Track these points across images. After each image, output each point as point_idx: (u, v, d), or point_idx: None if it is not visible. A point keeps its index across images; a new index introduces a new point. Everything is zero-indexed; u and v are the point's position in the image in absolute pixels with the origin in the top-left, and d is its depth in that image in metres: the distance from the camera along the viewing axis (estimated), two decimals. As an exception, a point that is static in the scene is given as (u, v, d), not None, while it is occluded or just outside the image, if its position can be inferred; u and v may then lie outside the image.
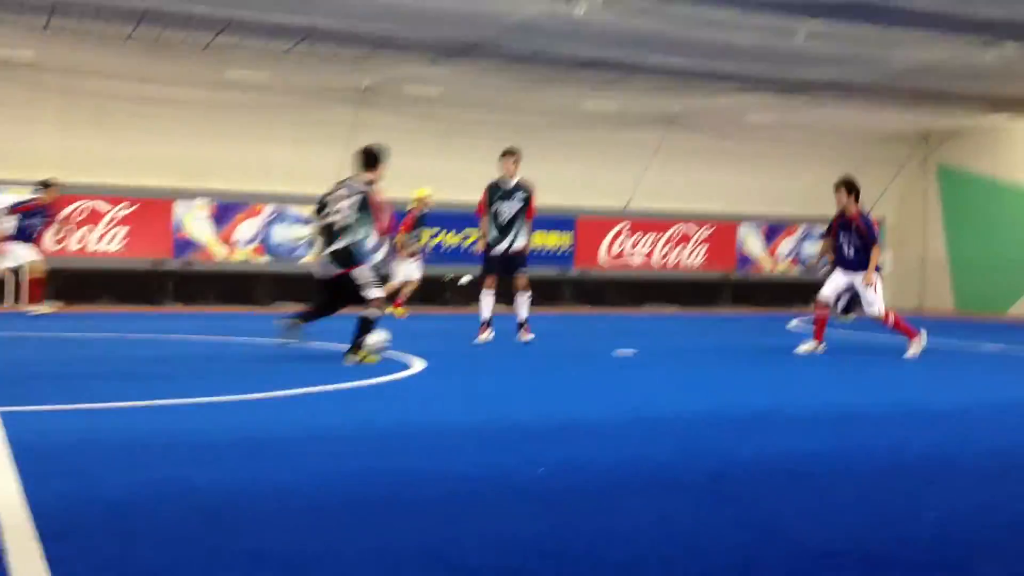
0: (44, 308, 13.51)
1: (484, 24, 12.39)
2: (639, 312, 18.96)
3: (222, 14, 12.15)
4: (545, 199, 18.79)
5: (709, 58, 13.82)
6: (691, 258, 20.32)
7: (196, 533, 3.27)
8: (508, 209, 11.03)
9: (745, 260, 20.79)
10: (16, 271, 13.97)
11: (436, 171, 17.99)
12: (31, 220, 13.72)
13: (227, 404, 6.05)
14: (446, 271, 18.57)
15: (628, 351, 10.00)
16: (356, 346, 8.40)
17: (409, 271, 15.52)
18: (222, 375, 7.65)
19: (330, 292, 8.79)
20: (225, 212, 16.82)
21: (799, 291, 21.59)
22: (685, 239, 20.29)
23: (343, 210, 8.59)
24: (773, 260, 21.03)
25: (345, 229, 8.60)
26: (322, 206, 8.79)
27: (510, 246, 11.06)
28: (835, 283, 10.36)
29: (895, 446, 5.06)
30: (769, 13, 11.62)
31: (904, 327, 10.07)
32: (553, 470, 4.31)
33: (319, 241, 8.80)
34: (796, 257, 21.17)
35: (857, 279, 10.12)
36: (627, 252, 19.86)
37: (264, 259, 17.08)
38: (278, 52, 14.06)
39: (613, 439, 5.16)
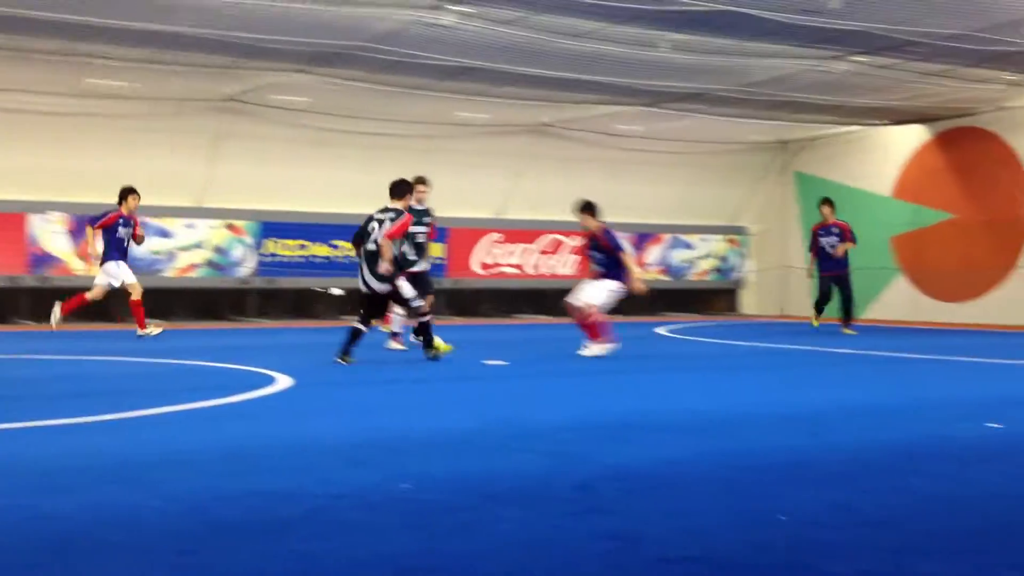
0: (152, 329, 12.92)
1: (351, 32, 12.28)
2: (512, 322, 19.06)
3: (82, 21, 11.73)
4: (416, 209, 18.77)
5: (577, 68, 14.00)
6: (562, 267, 20.54)
7: (44, 564, 3.13)
8: (423, 232, 11.60)
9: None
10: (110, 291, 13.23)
11: (305, 181, 17.77)
12: (118, 234, 12.94)
13: (80, 426, 5.81)
14: (315, 283, 18.33)
15: (499, 362, 10.04)
16: (428, 344, 10.07)
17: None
18: (76, 396, 7.35)
19: (371, 304, 10.10)
20: (84, 226, 16.22)
21: (667, 298, 22.07)
22: (557, 248, 20.50)
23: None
24: (642, 268, 21.42)
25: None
26: (365, 234, 9.96)
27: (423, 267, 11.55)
28: (584, 289, 10.99)
29: (752, 450, 5.19)
30: (633, 24, 11.84)
31: (596, 331, 10.70)
32: (418, 485, 4.27)
33: (363, 263, 9.98)
34: (664, 265, 21.62)
35: (605, 283, 10.78)
36: (500, 261, 19.95)
37: (126, 273, 16.51)
38: (140, 60, 13.65)
39: (480, 451, 5.16)
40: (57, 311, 12.91)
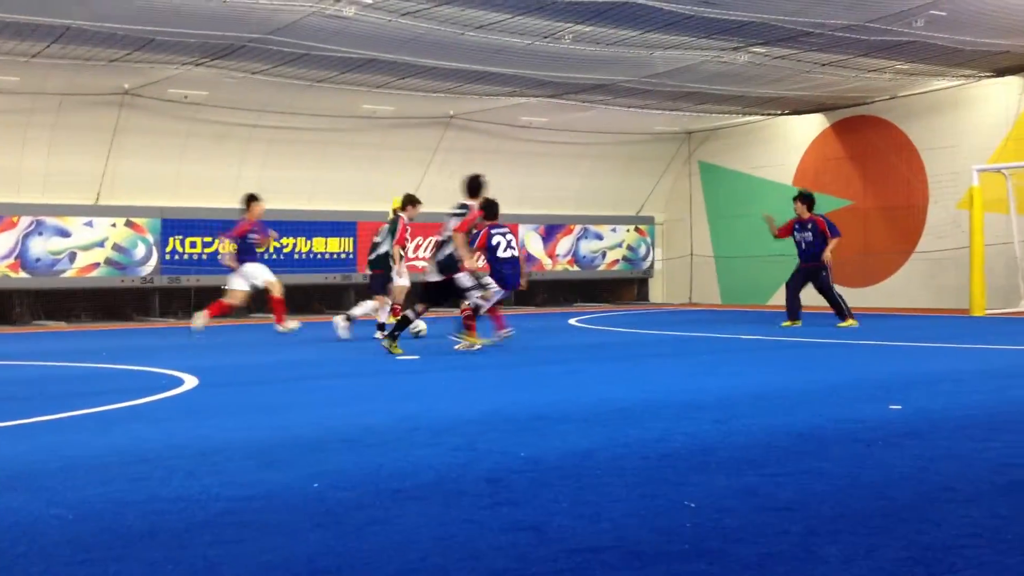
0: (291, 324, 12.79)
1: (250, 24, 12.07)
2: (425, 315, 18.97)
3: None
4: (324, 203, 18.62)
5: (481, 60, 13.99)
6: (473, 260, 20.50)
7: (-68, 581, 3.00)
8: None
9: (526, 260, 21.20)
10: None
11: (208, 177, 17.44)
12: (248, 239, 12.80)
13: (-25, 434, 5.61)
14: (222, 280, 17.98)
15: (411, 356, 10.00)
16: (465, 331, 10.63)
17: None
18: (-28, 402, 7.09)
19: (435, 292, 10.84)
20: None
21: (579, 288, 22.23)
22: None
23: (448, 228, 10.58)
24: (553, 259, 21.55)
25: (446, 243, 10.56)
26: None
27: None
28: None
29: (661, 438, 5.25)
30: (536, 15, 11.88)
31: (471, 325, 11.02)
32: (329, 483, 4.22)
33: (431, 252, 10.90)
34: (574, 256, 21.76)
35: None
36: (409, 255, 19.83)
37: (21, 275, 16.00)
38: (28, 54, 13.21)
39: (391, 447, 5.12)
40: (202, 316, 12.62)
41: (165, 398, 7.04)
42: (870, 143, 18.93)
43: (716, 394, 7.04)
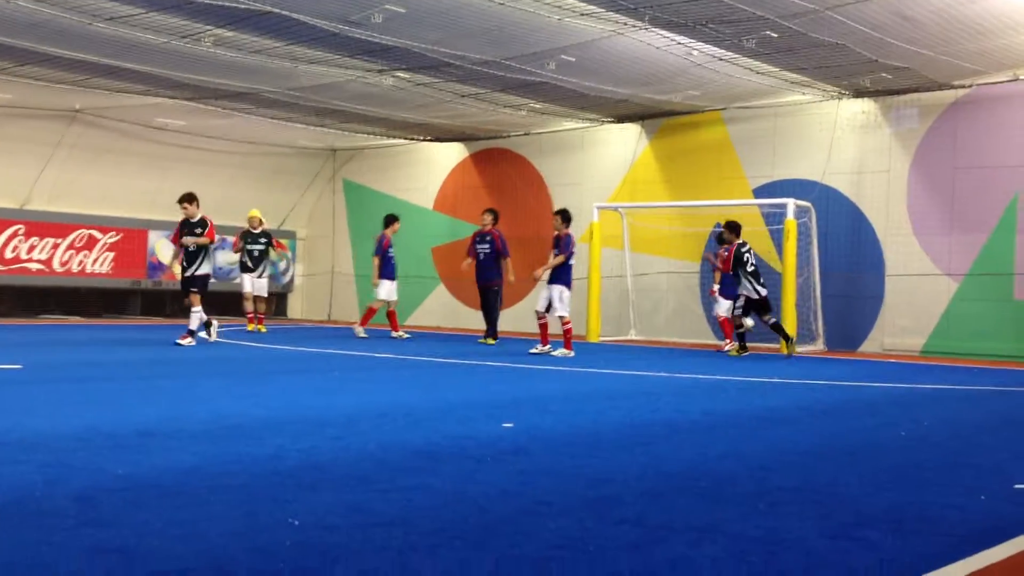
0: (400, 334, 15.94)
1: None
2: (35, 322, 17.50)
3: None
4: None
5: (112, 54, 13.14)
6: (97, 265, 19.23)
7: None
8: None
9: (156, 268, 20.16)
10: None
11: None
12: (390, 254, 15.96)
13: None
14: None
15: (13, 366, 9.13)
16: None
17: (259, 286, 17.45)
18: None
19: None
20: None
21: (217, 299, 21.41)
22: (91, 244, 19.15)
23: None
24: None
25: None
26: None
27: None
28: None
29: (275, 455, 5.10)
30: (173, 14, 11.34)
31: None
32: None
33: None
34: (213, 268, 20.95)
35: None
36: (23, 256, 18.24)
37: None
38: None
39: (-32, 465, 4.59)
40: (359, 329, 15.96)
41: None
42: (505, 175, 19.82)
43: (341, 411, 6.99)
